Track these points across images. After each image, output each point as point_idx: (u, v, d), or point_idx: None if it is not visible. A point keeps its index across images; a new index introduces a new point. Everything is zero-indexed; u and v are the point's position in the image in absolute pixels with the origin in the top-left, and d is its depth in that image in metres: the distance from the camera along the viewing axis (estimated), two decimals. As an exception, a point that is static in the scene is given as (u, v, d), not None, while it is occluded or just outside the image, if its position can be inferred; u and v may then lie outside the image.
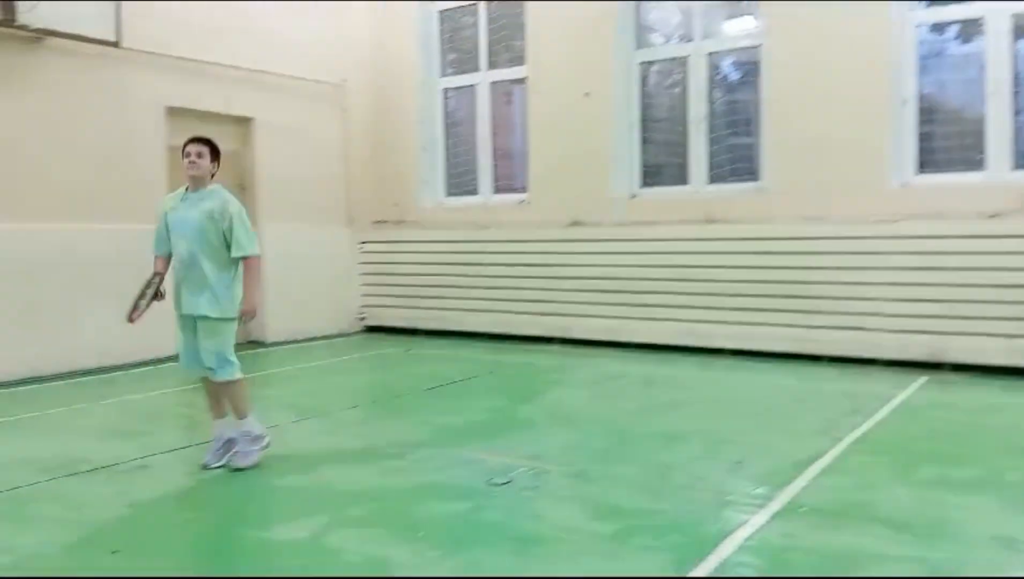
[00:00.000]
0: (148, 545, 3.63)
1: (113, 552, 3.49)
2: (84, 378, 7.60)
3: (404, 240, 10.72)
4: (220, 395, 4.79)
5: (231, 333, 4.73)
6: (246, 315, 4.66)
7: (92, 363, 7.92)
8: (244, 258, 4.67)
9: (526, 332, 9.67)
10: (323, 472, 4.62)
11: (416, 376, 7.85)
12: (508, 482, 4.35)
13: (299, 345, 9.85)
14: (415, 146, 10.86)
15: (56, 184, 7.73)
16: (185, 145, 4.72)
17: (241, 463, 4.67)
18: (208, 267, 4.59)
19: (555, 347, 9.36)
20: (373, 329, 10.92)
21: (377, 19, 10.89)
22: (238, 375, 4.74)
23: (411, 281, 10.57)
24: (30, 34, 7.38)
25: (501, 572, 3.21)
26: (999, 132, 7.53)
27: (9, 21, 7.11)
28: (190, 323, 4.69)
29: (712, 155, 9.05)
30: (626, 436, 5.37)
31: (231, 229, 4.61)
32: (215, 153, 4.75)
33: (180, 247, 4.65)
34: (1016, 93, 7.50)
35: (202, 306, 4.60)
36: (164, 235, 4.77)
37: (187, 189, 4.75)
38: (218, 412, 4.81)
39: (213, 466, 4.68)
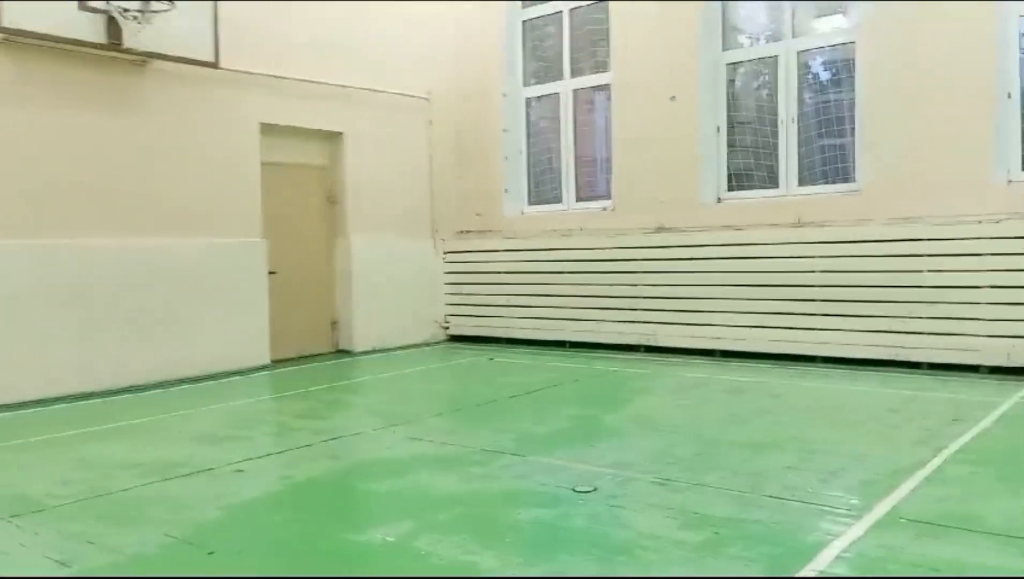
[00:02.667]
0: (242, 546, 3.74)
1: (209, 553, 3.61)
2: (184, 386, 7.91)
3: (487, 249, 10.80)
4: None
5: None
6: None
7: (192, 372, 8.24)
8: None
9: (611, 340, 9.60)
10: (410, 478, 4.67)
11: (500, 385, 7.88)
12: (593, 490, 4.31)
13: (385, 354, 10.03)
14: (498, 156, 10.95)
15: (160, 201, 8.09)
16: None
17: None
18: None
19: (640, 355, 9.26)
20: (457, 338, 11.03)
21: (462, 32, 11.03)
22: None
23: (495, 290, 10.64)
24: (136, 57, 7.77)
25: (587, 579, 3.18)
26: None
27: (116, 45, 7.49)
28: None
29: (802, 157, 8.83)
30: (714, 444, 5.26)
31: None
32: None
33: None
34: None
35: None
36: None
37: None
38: None
39: None
